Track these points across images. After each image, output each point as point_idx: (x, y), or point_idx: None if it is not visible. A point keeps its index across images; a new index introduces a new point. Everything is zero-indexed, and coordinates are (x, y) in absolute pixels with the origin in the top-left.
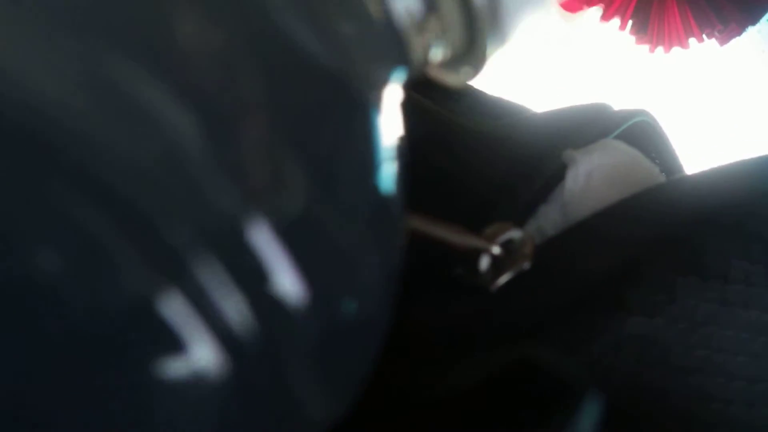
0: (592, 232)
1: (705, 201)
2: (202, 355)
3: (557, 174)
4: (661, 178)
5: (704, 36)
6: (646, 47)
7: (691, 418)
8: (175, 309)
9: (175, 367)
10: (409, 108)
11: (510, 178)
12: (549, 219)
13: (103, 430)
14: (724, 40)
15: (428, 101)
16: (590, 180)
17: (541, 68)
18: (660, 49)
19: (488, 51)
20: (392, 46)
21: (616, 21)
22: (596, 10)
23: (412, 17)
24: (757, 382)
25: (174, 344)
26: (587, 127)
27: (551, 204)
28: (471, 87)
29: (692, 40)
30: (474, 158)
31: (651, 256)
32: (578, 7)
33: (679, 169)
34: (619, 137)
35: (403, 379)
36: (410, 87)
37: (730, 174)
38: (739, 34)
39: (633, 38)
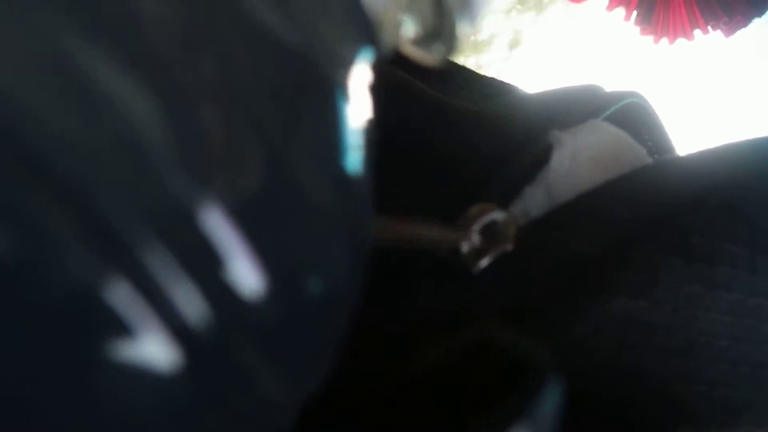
0: (577, 214)
1: (692, 183)
2: (151, 343)
3: (543, 155)
4: (648, 160)
5: (709, 27)
6: (650, 38)
7: (674, 400)
8: (121, 296)
9: (123, 356)
10: (393, 87)
11: (495, 159)
12: (534, 200)
13: (51, 415)
14: (729, 32)
15: (416, 81)
16: (576, 161)
17: (545, 58)
18: (664, 40)
19: (458, 28)
20: (359, 24)
21: (620, 11)
22: (602, 0)
23: None
24: (739, 365)
25: (121, 332)
26: (576, 108)
27: (536, 185)
28: (461, 67)
29: (697, 32)
30: (460, 138)
31: (635, 237)
32: None
33: (671, 150)
34: (609, 119)
35: (378, 359)
36: (395, 66)
37: (718, 156)
38: (745, 25)
39: (638, 29)
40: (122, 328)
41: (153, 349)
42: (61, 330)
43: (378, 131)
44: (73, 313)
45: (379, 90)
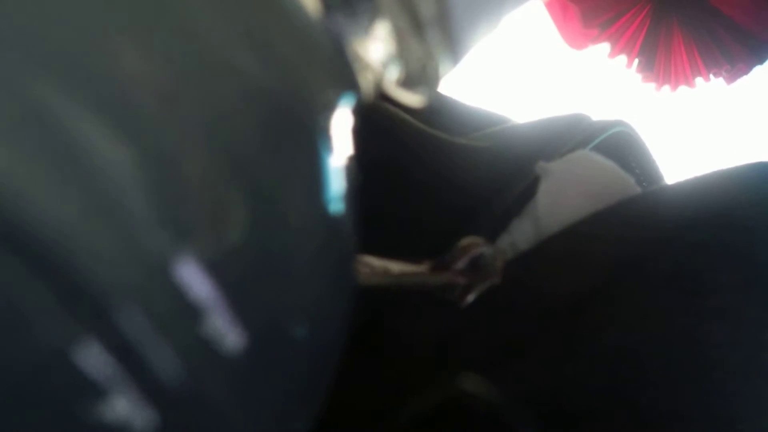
0: (564, 247)
1: (682, 213)
2: (126, 406)
3: (530, 187)
4: (637, 190)
5: (711, 75)
6: (652, 85)
7: None
8: (95, 359)
9: (98, 418)
10: (382, 122)
11: (483, 192)
12: (522, 233)
13: None
14: (731, 80)
15: (404, 114)
16: (563, 193)
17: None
18: (666, 87)
19: (442, 69)
20: (341, 69)
21: (622, 58)
22: (603, 48)
23: (359, 40)
24: (734, 397)
25: (95, 395)
26: (563, 138)
27: (524, 218)
28: (450, 98)
29: (699, 79)
30: (447, 171)
31: (626, 269)
32: (584, 44)
33: (660, 178)
34: (597, 148)
35: (367, 397)
36: (384, 100)
37: (708, 184)
38: (746, 73)
39: (639, 76)
40: (97, 391)
41: (128, 410)
42: (35, 395)
43: (364, 169)
44: (47, 378)
45: (366, 126)
